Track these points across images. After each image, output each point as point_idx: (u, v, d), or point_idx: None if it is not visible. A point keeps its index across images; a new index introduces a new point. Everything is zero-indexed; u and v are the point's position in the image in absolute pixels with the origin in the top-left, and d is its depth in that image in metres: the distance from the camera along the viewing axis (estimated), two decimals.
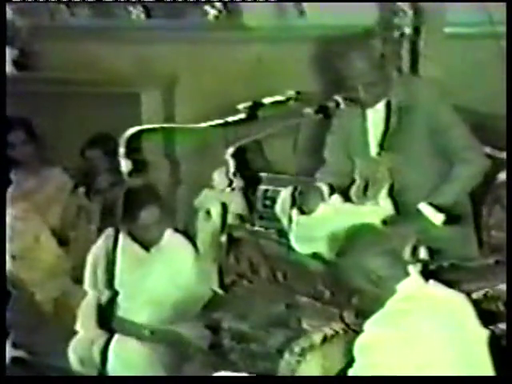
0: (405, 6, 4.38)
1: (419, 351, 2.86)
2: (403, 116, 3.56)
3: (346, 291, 3.23)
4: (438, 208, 3.38)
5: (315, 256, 3.40)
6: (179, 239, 4.00)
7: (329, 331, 3.29)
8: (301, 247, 3.44)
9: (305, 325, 3.37)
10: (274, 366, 3.33)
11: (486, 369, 2.86)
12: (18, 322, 4.34)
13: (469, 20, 4.30)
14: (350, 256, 3.08)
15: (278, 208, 3.69)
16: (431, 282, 3.03)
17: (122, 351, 3.84)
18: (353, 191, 3.72)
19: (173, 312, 3.93)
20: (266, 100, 3.42)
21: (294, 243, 3.46)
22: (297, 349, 3.28)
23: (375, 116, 3.63)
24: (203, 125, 3.35)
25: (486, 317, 2.98)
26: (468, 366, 2.85)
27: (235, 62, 4.85)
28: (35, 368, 4.09)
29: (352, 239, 3.14)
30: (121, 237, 3.70)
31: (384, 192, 3.53)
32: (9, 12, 5.23)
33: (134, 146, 3.19)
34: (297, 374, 3.25)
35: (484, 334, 2.92)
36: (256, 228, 3.87)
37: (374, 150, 3.67)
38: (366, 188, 3.71)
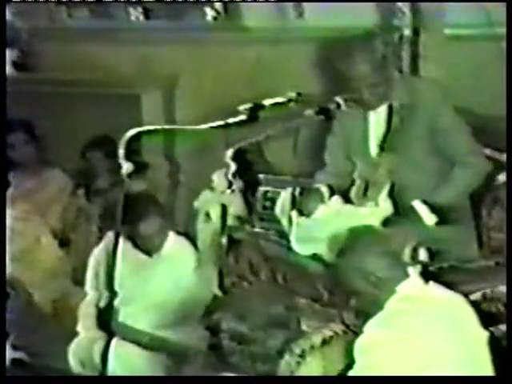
0: (404, 7, 4.38)
1: (419, 352, 2.85)
2: (405, 116, 3.56)
3: (345, 292, 3.22)
4: (434, 208, 3.38)
5: (315, 257, 3.39)
6: (181, 242, 4.00)
7: (328, 332, 3.29)
8: (301, 248, 3.44)
9: (304, 326, 3.37)
10: (273, 367, 3.32)
11: (487, 370, 2.86)
12: (17, 324, 4.34)
13: (469, 21, 4.29)
14: (350, 257, 3.07)
15: (277, 209, 3.68)
16: (431, 283, 3.02)
17: (122, 353, 3.83)
18: (353, 192, 3.72)
19: (174, 316, 3.92)
20: (267, 101, 3.41)
21: (293, 245, 3.45)
22: (297, 350, 3.28)
23: (376, 117, 3.63)
24: (203, 126, 3.34)
25: (486, 318, 2.97)
26: (468, 368, 2.84)
27: (235, 63, 4.85)
28: (35, 369, 4.09)
29: (352, 240, 3.13)
30: (121, 241, 3.69)
31: (384, 193, 3.53)
32: (9, 13, 5.24)
33: (134, 148, 3.19)
34: (296, 375, 3.25)
35: (484, 335, 2.91)
36: (256, 229, 3.87)
37: (374, 151, 3.67)
38: (366, 189, 3.71)
